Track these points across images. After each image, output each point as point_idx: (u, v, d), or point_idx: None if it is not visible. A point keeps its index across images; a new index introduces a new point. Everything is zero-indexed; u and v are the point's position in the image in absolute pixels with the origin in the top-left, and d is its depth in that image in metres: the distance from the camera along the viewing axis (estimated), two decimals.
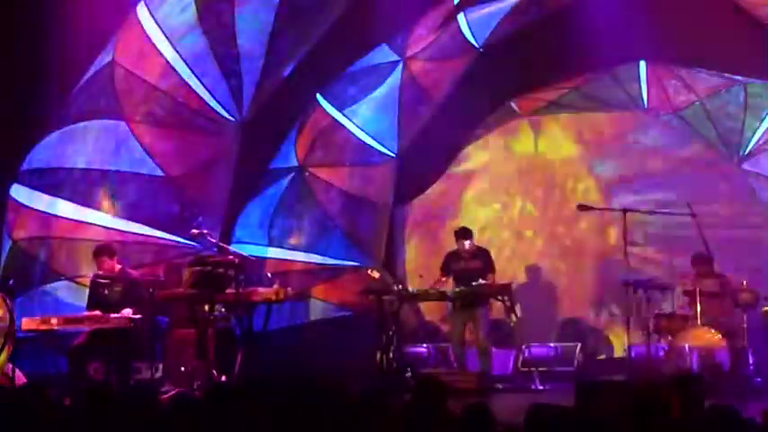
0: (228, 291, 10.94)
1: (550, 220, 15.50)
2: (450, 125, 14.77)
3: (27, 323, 10.74)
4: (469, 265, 12.65)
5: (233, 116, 13.09)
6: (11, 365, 9.92)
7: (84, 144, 12.61)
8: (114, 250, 11.62)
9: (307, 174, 14.41)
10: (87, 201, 12.68)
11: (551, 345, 14.19)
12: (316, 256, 14.50)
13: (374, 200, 14.92)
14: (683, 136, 15.02)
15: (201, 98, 12.89)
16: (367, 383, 11.32)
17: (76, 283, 12.45)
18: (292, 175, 14.36)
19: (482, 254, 12.83)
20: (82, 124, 12.55)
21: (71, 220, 12.62)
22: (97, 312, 10.98)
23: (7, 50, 11.45)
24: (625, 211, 12.09)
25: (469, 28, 13.99)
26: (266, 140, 13.96)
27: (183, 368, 11.33)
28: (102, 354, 10.97)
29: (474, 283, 12.41)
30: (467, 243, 12.72)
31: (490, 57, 14.13)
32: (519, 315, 12.84)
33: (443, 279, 12.84)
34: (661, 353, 12.19)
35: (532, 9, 13.74)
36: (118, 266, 11.50)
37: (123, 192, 12.83)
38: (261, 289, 11.36)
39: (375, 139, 14.65)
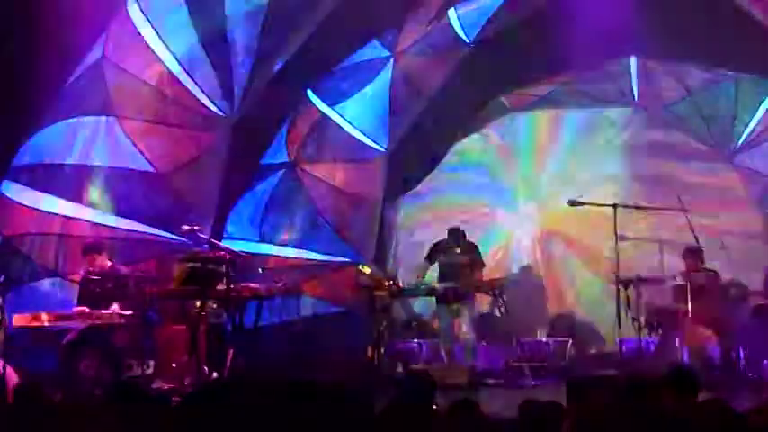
0: (219, 287, 10.93)
1: (541, 215, 15.52)
2: (440, 120, 14.78)
3: (18, 320, 10.74)
4: (458, 259, 12.68)
5: (224, 112, 13.09)
6: (2, 362, 9.89)
7: (74, 140, 12.59)
8: (103, 247, 11.61)
9: (298, 170, 14.41)
10: (78, 197, 12.65)
11: (543, 339, 14.22)
12: (306, 251, 14.50)
13: (365, 196, 14.91)
14: (674, 131, 15.05)
15: (192, 94, 12.88)
16: (358, 379, 11.34)
17: (67, 279, 12.43)
18: (283, 171, 14.37)
19: (470, 248, 12.85)
20: (72, 120, 12.53)
21: (62, 216, 12.59)
22: (86, 308, 10.98)
23: None
24: (615, 206, 12.09)
25: (460, 23, 13.99)
26: (257, 136, 13.96)
27: (174, 364, 11.31)
28: (93, 350, 10.95)
29: (464, 277, 12.44)
30: (458, 249, 12.76)
31: (481, 52, 14.14)
32: (509, 310, 12.87)
33: (426, 267, 12.91)
34: (652, 348, 12.22)
35: (523, 4, 13.74)
36: (108, 263, 11.50)
37: (114, 188, 12.80)
38: (252, 285, 11.34)
39: (366, 135, 14.65)
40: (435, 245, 13.05)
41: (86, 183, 12.72)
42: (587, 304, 15.00)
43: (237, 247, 12.54)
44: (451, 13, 13.88)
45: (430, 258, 12.97)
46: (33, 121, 12.38)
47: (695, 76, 14.41)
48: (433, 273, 13.06)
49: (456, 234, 12.91)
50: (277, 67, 13.27)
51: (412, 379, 6.73)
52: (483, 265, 12.82)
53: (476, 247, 12.95)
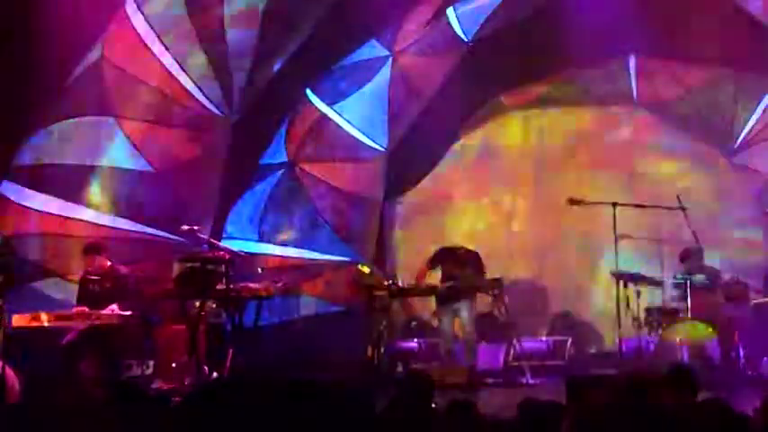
0: (219, 287, 10.92)
1: (540, 214, 15.52)
2: (439, 120, 14.78)
3: (17, 320, 10.72)
4: (459, 271, 12.65)
5: (223, 112, 13.09)
6: (1, 363, 9.88)
7: (73, 141, 12.58)
8: (103, 247, 11.59)
9: (297, 169, 14.41)
10: (77, 197, 12.65)
11: (542, 338, 14.22)
12: (306, 251, 14.49)
13: (364, 195, 14.91)
14: (673, 129, 15.06)
15: (191, 94, 12.88)
16: (358, 379, 11.34)
17: (67, 279, 12.42)
18: (282, 170, 14.36)
19: (473, 259, 12.82)
20: (72, 121, 12.52)
21: (61, 216, 12.58)
22: (86, 308, 10.97)
23: None
24: (615, 204, 12.07)
25: (459, 22, 13.99)
26: (256, 136, 13.95)
27: (173, 364, 11.31)
28: (92, 350, 10.95)
29: (465, 277, 12.44)
30: (460, 263, 12.75)
31: (479, 51, 14.13)
32: (509, 309, 12.87)
33: (428, 272, 12.89)
34: (651, 347, 12.22)
35: (522, 3, 13.74)
36: (107, 263, 11.49)
37: (113, 188, 12.79)
38: (251, 285, 11.33)
39: (365, 134, 14.65)
40: (439, 252, 13.00)
41: (86, 183, 12.72)
42: (587, 303, 15.01)
43: (237, 246, 12.54)
44: (450, 12, 13.88)
45: (431, 265, 12.94)
46: (33, 122, 12.38)
47: (694, 74, 14.40)
48: (434, 273, 13.06)
49: (457, 251, 12.89)
50: (276, 67, 13.28)
51: (411, 379, 6.73)
52: (485, 274, 12.77)
53: (477, 255, 12.90)
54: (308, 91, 14.26)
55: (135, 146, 12.79)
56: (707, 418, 5.37)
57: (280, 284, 11.69)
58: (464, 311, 12.57)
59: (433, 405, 6.58)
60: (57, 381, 10.41)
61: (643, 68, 14.61)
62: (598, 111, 15.50)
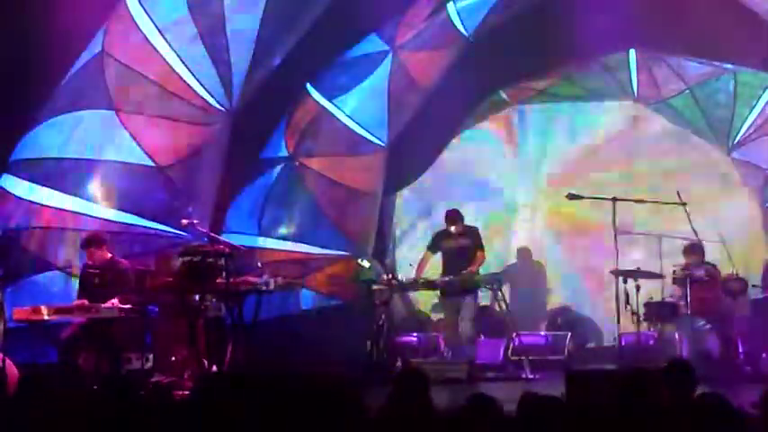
0: (219, 280, 10.92)
1: (541, 208, 15.54)
2: (439, 114, 14.77)
3: (17, 313, 10.73)
4: (459, 243, 12.68)
5: (223, 105, 13.06)
6: (2, 355, 9.89)
7: (73, 134, 12.57)
8: (104, 240, 11.59)
9: (297, 163, 14.40)
10: (77, 191, 12.64)
11: (542, 333, 14.24)
12: (306, 245, 14.48)
13: (364, 189, 14.90)
14: (673, 125, 15.06)
15: (191, 87, 12.85)
16: (356, 373, 11.35)
17: (67, 273, 12.42)
18: (282, 164, 14.35)
19: (471, 232, 12.85)
20: (72, 114, 12.52)
21: (61, 209, 12.57)
22: (86, 302, 10.97)
23: None
24: (615, 199, 12.08)
25: (459, 17, 13.99)
26: (256, 130, 13.95)
27: (173, 358, 11.32)
28: (92, 344, 10.96)
29: (464, 272, 12.43)
30: (453, 228, 12.74)
31: (480, 46, 14.13)
32: (508, 304, 12.88)
33: (429, 257, 12.90)
34: (651, 341, 12.24)
35: None
36: (108, 256, 11.49)
37: (113, 182, 12.78)
38: (251, 279, 11.34)
39: (365, 129, 14.63)
40: (436, 234, 13.06)
41: (86, 176, 12.70)
42: (586, 298, 15.03)
43: (237, 240, 12.53)
44: (450, 6, 13.88)
45: (432, 249, 12.97)
46: (33, 115, 12.38)
47: (694, 69, 14.41)
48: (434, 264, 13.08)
49: (454, 215, 12.88)
50: (276, 61, 13.27)
51: (405, 376, 6.71)
52: (483, 248, 12.78)
53: (476, 229, 12.93)
54: (309, 85, 14.26)
55: (135, 139, 12.77)
56: (705, 413, 5.38)
57: (279, 279, 11.69)
58: (466, 306, 12.56)
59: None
60: (56, 374, 10.43)
61: (643, 63, 14.61)
62: (598, 105, 15.50)
